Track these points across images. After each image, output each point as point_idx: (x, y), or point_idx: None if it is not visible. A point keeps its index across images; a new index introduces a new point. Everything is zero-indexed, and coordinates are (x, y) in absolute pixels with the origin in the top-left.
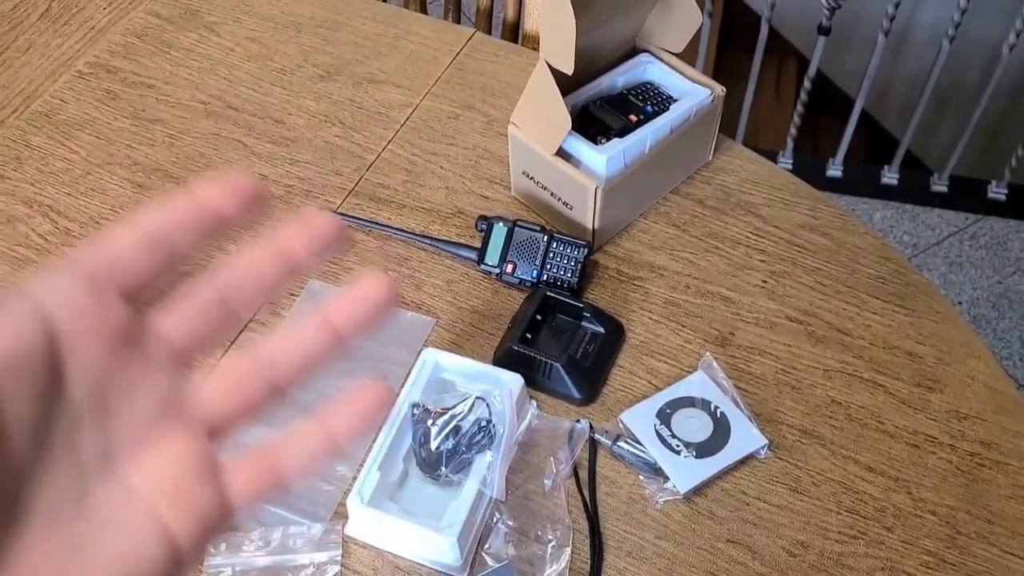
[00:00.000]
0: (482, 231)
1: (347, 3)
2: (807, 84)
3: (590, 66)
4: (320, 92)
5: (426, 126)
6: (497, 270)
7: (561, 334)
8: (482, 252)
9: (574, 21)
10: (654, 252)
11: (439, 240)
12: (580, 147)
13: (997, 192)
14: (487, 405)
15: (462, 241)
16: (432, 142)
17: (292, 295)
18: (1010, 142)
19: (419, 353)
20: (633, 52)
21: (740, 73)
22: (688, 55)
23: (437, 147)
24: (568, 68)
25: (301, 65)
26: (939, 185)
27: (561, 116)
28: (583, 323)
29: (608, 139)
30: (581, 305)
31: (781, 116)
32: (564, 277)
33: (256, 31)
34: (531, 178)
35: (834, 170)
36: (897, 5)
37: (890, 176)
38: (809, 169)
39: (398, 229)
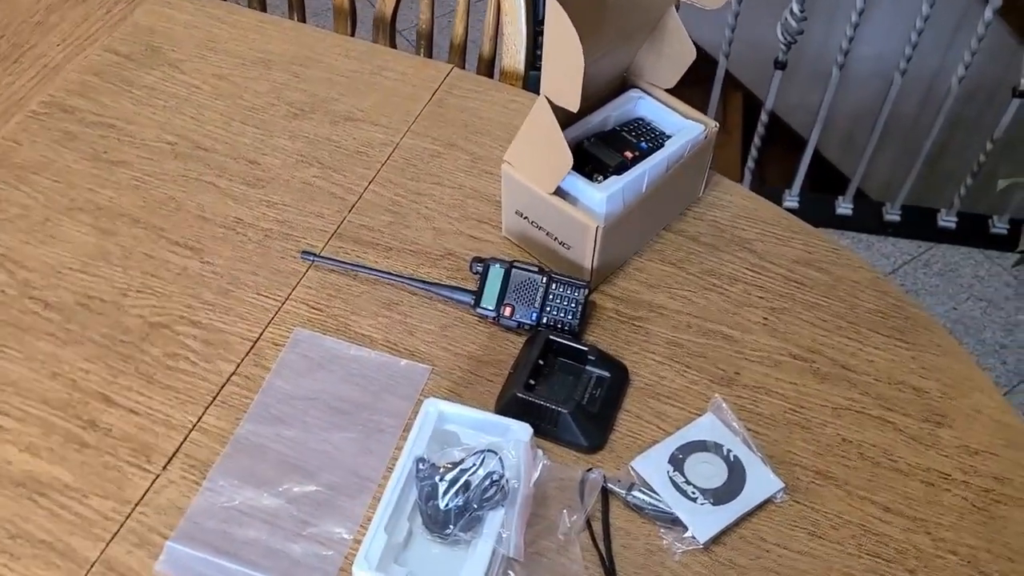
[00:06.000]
0: (477, 273)
1: (319, 39)
2: (764, 117)
3: (583, 102)
4: (295, 131)
5: (408, 165)
6: (494, 314)
7: (565, 379)
8: (478, 295)
9: (582, 58)
10: (652, 291)
11: (431, 283)
12: (578, 185)
13: (947, 220)
14: (499, 459)
15: (455, 284)
16: (416, 181)
17: (277, 345)
18: (951, 170)
19: (417, 403)
20: (621, 88)
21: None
22: None
23: (421, 187)
24: (574, 106)
25: (273, 103)
26: (892, 214)
27: (562, 154)
28: (587, 367)
29: (605, 177)
30: (585, 348)
31: (730, 148)
32: (564, 319)
33: (223, 68)
34: (525, 218)
35: (791, 201)
36: (851, 40)
37: (844, 206)
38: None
39: (387, 272)
